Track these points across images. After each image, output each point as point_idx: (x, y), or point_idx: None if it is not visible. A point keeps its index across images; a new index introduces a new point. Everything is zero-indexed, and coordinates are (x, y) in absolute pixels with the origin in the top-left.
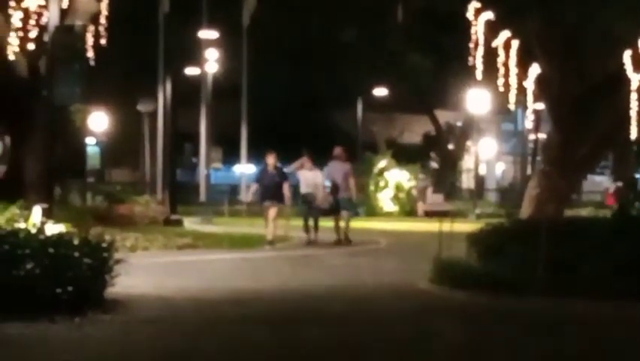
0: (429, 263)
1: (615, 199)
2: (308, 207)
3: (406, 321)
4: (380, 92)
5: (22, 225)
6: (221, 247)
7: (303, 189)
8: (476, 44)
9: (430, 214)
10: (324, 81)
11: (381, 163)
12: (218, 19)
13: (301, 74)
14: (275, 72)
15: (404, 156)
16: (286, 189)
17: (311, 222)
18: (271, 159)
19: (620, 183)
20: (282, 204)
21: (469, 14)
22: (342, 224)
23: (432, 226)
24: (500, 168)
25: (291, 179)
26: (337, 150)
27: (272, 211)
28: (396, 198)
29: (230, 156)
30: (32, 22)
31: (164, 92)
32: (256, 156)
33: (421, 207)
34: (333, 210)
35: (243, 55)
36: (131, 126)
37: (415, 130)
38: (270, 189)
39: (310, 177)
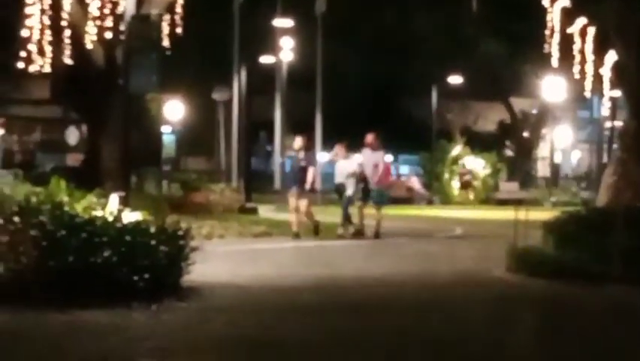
0: (504, 251)
1: None
2: (339, 197)
3: (484, 309)
4: (455, 79)
5: (99, 213)
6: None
7: (337, 178)
8: (552, 31)
9: (505, 202)
10: (398, 69)
11: (455, 151)
12: (293, 7)
13: (376, 62)
14: (350, 60)
15: (479, 143)
16: (310, 174)
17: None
18: (298, 142)
19: None
20: (306, 191)
21: (545, 1)
22: (372, 216)
23: (507, 214)
24: (576, 156)
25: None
26: (368, 138)
27: (293, 199)
28: (470, 186)
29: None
30: (108, 11)
31: (239, 81)
32: (331, 144)
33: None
34: (361, 200)
35: (317, 43)
36: (206, 115)
37: (490, 118)
38: (295, 175)
39: (344, 167)
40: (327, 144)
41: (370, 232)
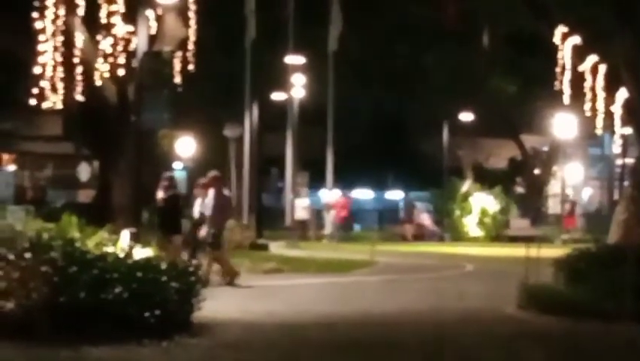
0: (515, 288)
1: None
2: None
3: (496, 347)
4: (466, 116)
5: (110, 249)
6: (307, 271)
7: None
8: (563, 69)
9: (516, 239)
10: (409, 106)
11: (464, 187)
12: (305, 44)
13: (387, 99)
14: (361, 97)
15: (489, 180)
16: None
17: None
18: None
19: None
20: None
21: (556, 39)
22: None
23: (518, 251)
24: (587, 192)
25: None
26: (207, 179)
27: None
28: (481, 223)
29: (316, 181)
30: (121, 48)
31: (251, 117)
32: (342, 181)
33: None
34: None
35: (329, 80)
36: (217, 151)
37: (501, 155)
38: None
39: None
40: (339, 181)
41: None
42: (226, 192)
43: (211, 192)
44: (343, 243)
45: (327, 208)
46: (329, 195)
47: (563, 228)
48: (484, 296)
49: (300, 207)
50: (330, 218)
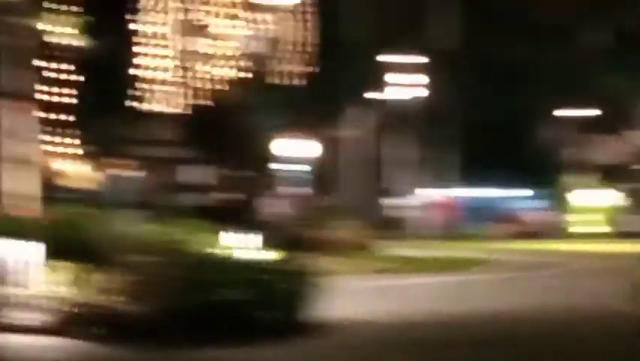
0: (631, 285)
1: None
2: None
3: (608, 343)
4: (579, 112)
5: (223, 251)
6: (423, 270)
7: None
8: None
9: (630, 235)
10: (522, 103)
11: (577, 184)
12: (426, 43)
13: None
14: (481, 95)
15: (602, 177)
16: None
17: None
18: None
19: None
20: None
21: None
22: None
23: (633, 247)
24: None
25: None
26: None
27: None
28: (595, 219)
29: (435, 181)
30: (239, 51)
31: (366, 118)
32: (468, 179)
33: None
34: None
35: (447, 79)
36: (332, 152)
37: (613, 151)
38: None
39: None
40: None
41: None
42: (296, 192)
43: (281, 193)
44: (449, 241)
45: (430, 208)
46: (433, 194)
47: None
48: (599, 293)
49: (394, 206)
50: (433, 217)
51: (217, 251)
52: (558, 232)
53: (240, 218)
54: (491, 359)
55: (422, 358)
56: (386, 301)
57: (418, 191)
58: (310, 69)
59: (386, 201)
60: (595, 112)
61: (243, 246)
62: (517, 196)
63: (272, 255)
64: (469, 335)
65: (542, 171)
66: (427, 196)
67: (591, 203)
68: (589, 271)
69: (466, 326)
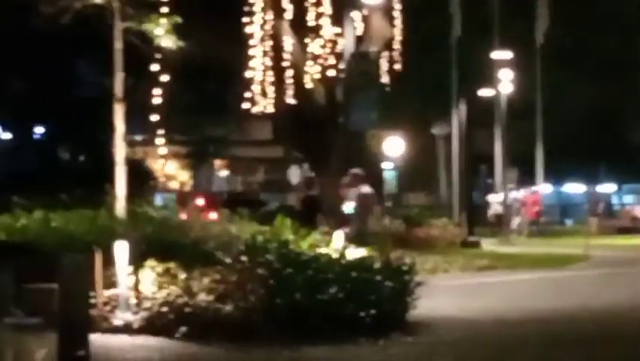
0: None
1: None
2: None
3: None
4: None
5: (324, 250)
6: (521, 267)
7: None
8: None
9: None
10: (622, 96)
11: None
12: (511, 38)
13: (599, 90)
14: (571, 90)
15: None
16: None
17: None
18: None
19: None
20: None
21: None
22: None
23: None
24: None
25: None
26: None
27: None
28: None
29: (526, 176)
30: (329, 50)
31: (459, 115)
32: (553, 175)
33: None
34: None
35: (537, 73)
36: (426, 150)
37: None
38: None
39: None
40: (550, 176)
41: None
42: (367, 189)
43: (353, 191)
44: (545, 237)
45: (517, 204)
46: (519, 191)
47: None
48: None
49: (495, 203)
50: (520, 214)
51: (309, 250)
52: None
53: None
54: (590, 358)
55: (520, 354)
56: (485, 298)
57: (513, 187)
58: (397, 68)
59: (484, 198)
60: None
61: (336, 244)
62: (593, 191)
63: (369, 253)
64: (568, 331)
65: None
66: (519, 193)
67: None
68: None
69: (565, 323)
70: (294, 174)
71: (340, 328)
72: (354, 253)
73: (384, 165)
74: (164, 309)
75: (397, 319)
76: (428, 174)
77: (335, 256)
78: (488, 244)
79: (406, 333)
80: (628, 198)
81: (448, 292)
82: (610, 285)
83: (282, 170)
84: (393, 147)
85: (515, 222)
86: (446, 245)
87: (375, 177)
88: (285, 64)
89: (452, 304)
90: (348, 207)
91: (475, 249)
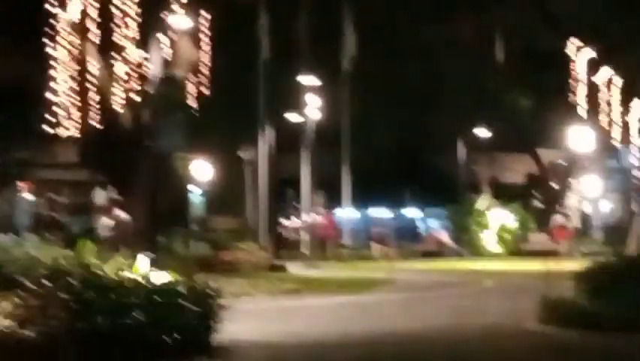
0: (535, 303)
1: None
2: None
3: None
4: (481, 132)
5: (128, 274)
6: (326, 291)
7: None
8: (577, 81)
9: (535, 254)
10: (425, 123)
11: (482, 203)
12: (320, 63)
13: (402, 117)
14: (376, 116)
15: (507, 195)
16: None
17: None
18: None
19: None
20: None
21: (570, 51)
22: None
23: (537, 265)
24: (605, 205)
25: None
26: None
27: None
28: (499, 238)
29: (333, 201)
30: (135, 73)
31: (266, 139)
32: (360, 200)
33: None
34: None
35: (343, 100)
36: (233, 173)
37: (517, 169)
38: None
39: None
40: (354, 200)
41: None
42: (123, 215)
43: (110, 216)
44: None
45: (308, 228)
46: (310, 214)
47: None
48: (504, 312)
49: (290, 227)
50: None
51: (113, 274)
52: (468, 250)
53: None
54: None
55: None
56: (290, 322)
57: (313, 211)
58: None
59: (284, 222)
60: (501, 131)
61: (141, 268)
62: (417, 216)
63: (174, 277)
64: (371, 355)
65: (451, 190)
66: (314, 217)
67: (501, 222)
68: (498, 290)
69: (368, 346)
70: (100, 197)
71: (144, 352)
72: (159, 277)
73: (191, 188)
74: None
75: (202, 343)
76: (235, 198)
77: (139, 280)
78: (294, 268)
79: (211, 357)
80: (432, 223)
81: (253, 316)
82: (412, 309)
83: (87, 193)
84: (201, 170)
85: (316, 245)
86: (252, 269)
87: (181, 201)
88: (90, 86)
89: (257, 328)
90: (104, 230)
91: (282, 272)
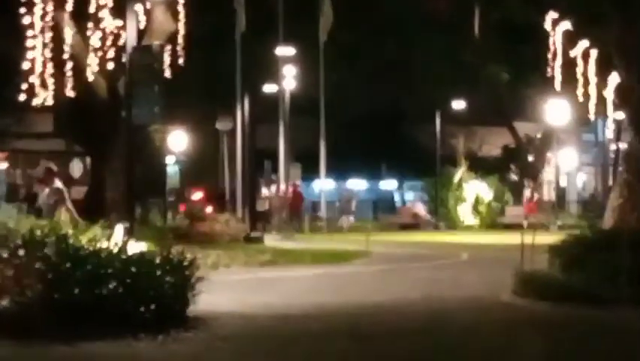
0: (511, 276)
1: None
2: None
3: (492, 333)
4: (458, 105)
5: (104, 244)
6: (302, 263)
7: None
8: (554, 55)
9: (510, 227)
10: (402, 95)
11: (458, 176)
12: (296, 35)
13: (379, 89)
14: (353, 87)
15: (483, 168)
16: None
17: None
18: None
19: None
20: None
21: (547, 24)
22: None
23: (513, 238)
24: (581, 179)
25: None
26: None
27: None
28: (475, 211)
29: (310, 173)
30: (110, 42)
31: (242, 110)
32: (336, 171)
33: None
34: None
35: (320, 71)
36: (210, 145)
37: (494, 142)
38: None
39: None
40: (331, 172)
41: None
42: (59, 184)
43: (48, 185)
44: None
45: (272, 199)
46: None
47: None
48: (479, 284)
49: (265, 198)
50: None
51: (89, 244)
52: (445, 223)
53: (113, 211)
54: (364, 351)
55: (295, 348)
56: (266, 293)
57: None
58: (182, 61)
59: (262, 193)
60: (478, 104)
61: (117, 239)
62: (344, 189)
63: (150, 248)
64: (347, 325)
65: (428, 163)
66: (285, 187)
67: (477, 194)
68: (474, 262)
69: (344, 317)
70: (76, 168)
71: (120, 323)
72: (136, 247)
73: (167, 159)
74: None
75: (178, 314)
76: (212, 169)
77: (115, 250)
78: (271, 240)
79: (186, 328)
80: (409, 195)
81: (229, 288)
82: (388, 281)
83: (63, 163)
84: (177, 141)
85: (286, 216)
86: (229, 240)
87: (158, 172)
88: (65, 56)
89: (233, 300)
90: (42, 200)
91: (258, 244)
